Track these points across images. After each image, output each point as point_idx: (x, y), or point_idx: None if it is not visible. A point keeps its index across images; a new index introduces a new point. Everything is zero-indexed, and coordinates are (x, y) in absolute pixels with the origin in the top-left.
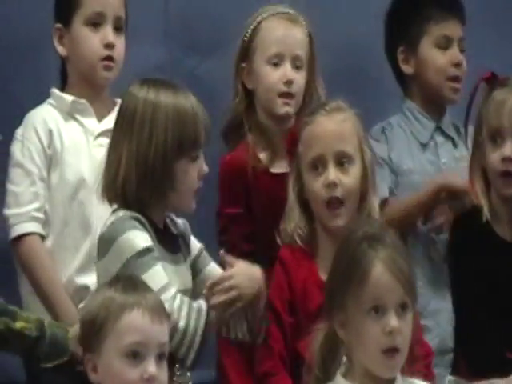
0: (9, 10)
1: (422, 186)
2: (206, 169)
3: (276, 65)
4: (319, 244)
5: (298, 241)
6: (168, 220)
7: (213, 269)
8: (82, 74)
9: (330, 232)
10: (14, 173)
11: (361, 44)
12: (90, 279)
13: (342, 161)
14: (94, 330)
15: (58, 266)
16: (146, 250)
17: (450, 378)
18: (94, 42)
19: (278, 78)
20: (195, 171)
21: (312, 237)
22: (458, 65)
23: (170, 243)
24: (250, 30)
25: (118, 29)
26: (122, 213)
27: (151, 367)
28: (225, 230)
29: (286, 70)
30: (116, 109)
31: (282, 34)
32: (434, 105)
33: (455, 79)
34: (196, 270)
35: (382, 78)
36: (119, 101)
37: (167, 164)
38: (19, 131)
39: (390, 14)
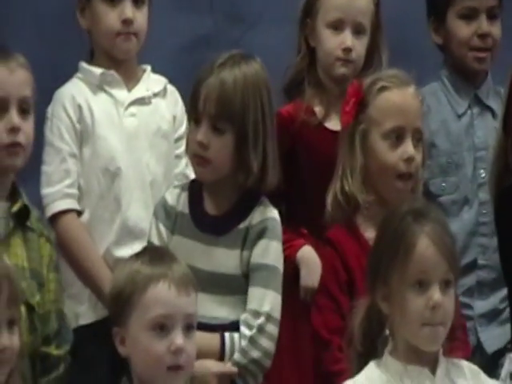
0: None
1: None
2: None
3: (337, 29)
4: (372, 214)
5: (362, 202)
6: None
7: (253, 293)
8: (104, 48)
9: (386, 203)
10: (46, 152)
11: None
12: (129, 251)
13: (416, 137)
14: (121, 304)
15: (95, 240)
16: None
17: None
18: (111, 18)
19: (337, 44)
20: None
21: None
22: (482, 35)
23: (206, 223)
24: None
25: (138, 1)
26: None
27: (178, 339)
28: None
29: (346, 37)
30: (145, 77)
31: (345, 0)
32: (467, 74)
33: (479, 49)
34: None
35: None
36: (148, 67)
37: None
38: (49, 109)
39: None
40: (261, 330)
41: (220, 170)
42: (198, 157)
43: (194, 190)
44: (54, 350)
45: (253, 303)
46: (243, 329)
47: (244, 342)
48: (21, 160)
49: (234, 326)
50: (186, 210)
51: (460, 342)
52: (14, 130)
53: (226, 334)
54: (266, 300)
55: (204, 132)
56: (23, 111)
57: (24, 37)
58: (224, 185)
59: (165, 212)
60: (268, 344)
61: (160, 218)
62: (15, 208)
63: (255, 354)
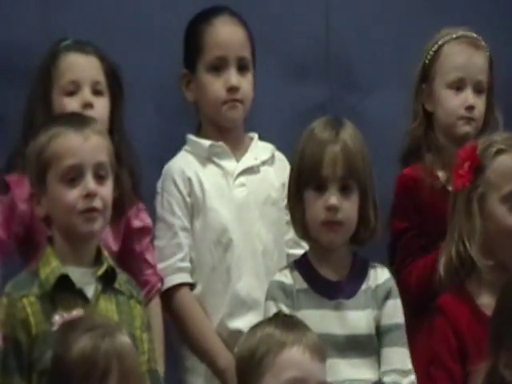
0: None
1: None
2: None
3: (458, 89)
4: (488, 279)
5: (482, 267)
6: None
7: (393, 352)
8: (210, 118)
9: (504, 269)
10: (158, 227)
11: None
12: (243, 323)
13: None
14: (253, 365)
15: (208, 312)
16: None
17: None
18: (217, 86)
19: (459, 103)
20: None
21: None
22: None
23: (332, 290)
24: (431, 52)
25: (242, 69)
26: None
27: None
28: (393, 245)
29: (468, 95)
30: (253, 145)
31: (465, 60)
32: None
33: None
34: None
35: None
36: (256, 136)
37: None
38: (159, 184)
39: None
40: None
41: (350, 230)
42: (329, 223)
43: (303, 265)
44: None
45: (396, 363)
46: None
47: None
48: (98, 225)
49: None
50: (305, 285)
51: None
52: (89, 195)
53: None
54: (407, 358)
55: (335, 195)
56: (99, 177)
57: (142, 109)
58: (338, 250)
59: (283, 292)
60: None
61: (279, 299)
62: (100, 272)
63: None
